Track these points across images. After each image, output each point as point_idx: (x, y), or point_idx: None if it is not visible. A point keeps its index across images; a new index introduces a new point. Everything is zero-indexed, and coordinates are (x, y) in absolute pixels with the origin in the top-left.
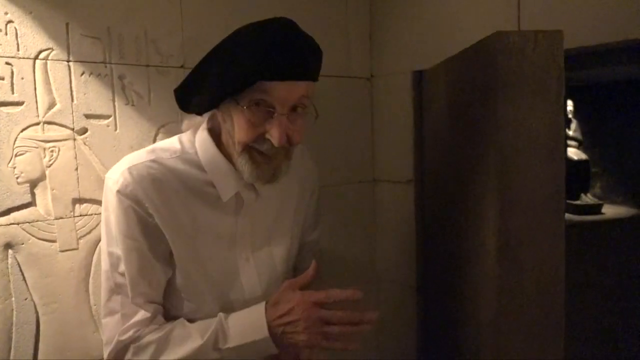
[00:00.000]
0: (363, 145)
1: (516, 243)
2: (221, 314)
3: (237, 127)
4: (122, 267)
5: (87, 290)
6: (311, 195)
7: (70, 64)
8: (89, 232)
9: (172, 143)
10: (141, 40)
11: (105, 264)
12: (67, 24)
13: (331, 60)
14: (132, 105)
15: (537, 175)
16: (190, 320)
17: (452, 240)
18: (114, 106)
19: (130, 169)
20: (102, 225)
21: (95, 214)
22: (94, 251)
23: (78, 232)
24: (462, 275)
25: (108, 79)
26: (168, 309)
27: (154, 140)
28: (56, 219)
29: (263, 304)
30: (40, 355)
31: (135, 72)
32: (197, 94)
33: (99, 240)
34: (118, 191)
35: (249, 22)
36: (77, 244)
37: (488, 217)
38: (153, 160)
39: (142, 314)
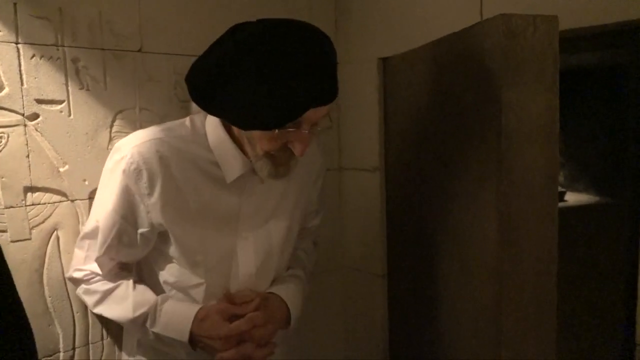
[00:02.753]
0: (329, 133)
1: (516, 226)
2: (159, 298)
3: (261, 139)
4: (96, 228)
5: (41, 282)
6: (315, 181)
7: (19, 46)
8: (43, 222)
9: (183, 123)
10: (95, 21)
11: (90, 215)
12: (14, 4)
13: None
14: (87, 90)
15: (535, 158)
16: (182, 289)
17: (429, 226)
18: (68, 91)
19: (139, 146)
20: (99, 184)
21: (49, 203)
22: (48, 241)
23: (30, 221)
24: (445, 261)
25: (60, 62)
26: (161, 274)
27: (111, 127)
28: (6, 208)
29: (195, 310)
30: None
31: (90, 55)
32: (224, 106)
33: (54, 230)
34: (123, 170)
35: (209, 5)
36: (30, 234)
37: (487, 201)
38: (162, 139)
39: (98, 268)
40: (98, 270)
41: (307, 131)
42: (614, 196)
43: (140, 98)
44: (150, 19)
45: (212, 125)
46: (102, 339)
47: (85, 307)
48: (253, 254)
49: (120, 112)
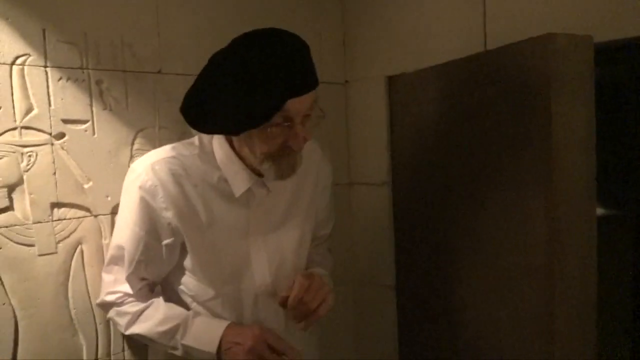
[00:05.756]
0: (339, 149)
1: (564, 229)
2: (191, 312)
3: (260, 143)
4: (121, 249)
5: (66, 295)
6: (323, 191)
7: (48, 69)
8: (68, 236)
9: (192, 142)
10: (117, 45)
11: (112, 239)
12: (43, 30)
13: None
14: (110, 110)
15: (578, 166)
16: (200, 303)
17: (451, 235)
18: (92, 111)
19: (153, 165)
20: (120, 206)
21: (74, 218)
22: (73, 255)
23: (57, 236)
24: (473, 268)
25: (85, 84)
26: (179, 289)
27: (132, 145)
28: (34, 223)
29: (226, 323)
30: None
31: (113, 77)
32: (214, 119)
33: (78, 244)
34: (140, 186)
35: (224, 28)
36: (56, 248)
37: (534, 207)
38: (174, 157)
39: (129, 288)
40: (129, 291)
41: (299, 125)
42: (620, 208)
43: (160, 117)
44: (168, 42)
45: (218, 143)
46: (123, 350)
47: (107, 319)
48: (267, 263)
49: (141, 130)
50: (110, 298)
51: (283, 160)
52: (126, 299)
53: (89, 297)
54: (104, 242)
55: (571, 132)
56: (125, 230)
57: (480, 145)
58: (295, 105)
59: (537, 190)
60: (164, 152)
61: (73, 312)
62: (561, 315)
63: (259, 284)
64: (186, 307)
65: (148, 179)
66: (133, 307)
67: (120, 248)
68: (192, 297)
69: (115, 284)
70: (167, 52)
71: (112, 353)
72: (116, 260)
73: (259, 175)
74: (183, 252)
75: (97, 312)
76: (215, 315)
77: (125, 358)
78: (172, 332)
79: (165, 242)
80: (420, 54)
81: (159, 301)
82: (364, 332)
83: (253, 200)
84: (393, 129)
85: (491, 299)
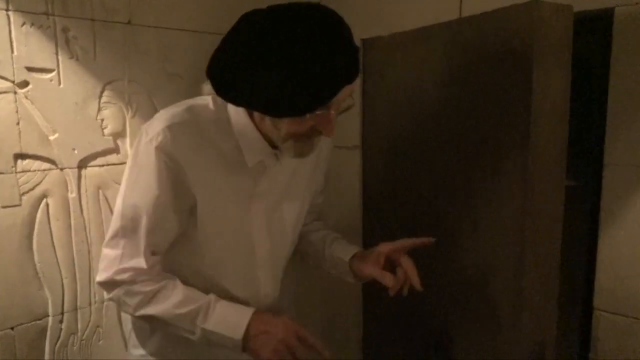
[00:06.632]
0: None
1: (538, 192)
2: (212, 296)
3: (289, 124)
4: (136, 217)
5: (30, 247)
6: (324, 163)
7: (10, 13)
8: (33, 189)
9: (207, 104)
10: None
11: (119, 207)
12: None
13: None
14: (77, 60)
15: (552, 133)
16: (201, 274)
17: (427, 199)
18: (58, 60)
19: (170, 126)
20: (126, 173)
21: (39, 170)
22: (38, 207)
23: (21, 188)
24: (449, 227)
25: (51, 31)
26: (178, 261)
27: (100, 97)
28: None
29: (252, 310)
30: None
31: (80, 25)
32: (250, 96)
33: (44, 197)
34: (157, 147)
35: None
36: (20, 200)
37: (510, 171)
38: (190, 121)
39: (142, 262)
40: (141, 266)
41: (334, 112)
42: (577, 179)
43: (129, 70)
44: None
45: (236, 110)
46: (90, 304)
47: (74, 272)
48: (266, 232)
49: (109, 83)
50: (121, 276)
51: (307, 141)
52: (138, 277)
53: (55, 251)
54: (70, 195)
55: (548, 99)
56: (140, 196)
57: (459, 108)
58: (341, 93)
59: (515, 155)
60: (178, 114)
61: (38, 265)
62: (530, 270)
63: (259, 251)
64: (183, 279)
65: (166, 142)
66: (146, 286)
67: (135, 218)
68: (188, 266)
69: (122, 260)
70: (138, 3)
71: (78, 307)
72: (125, 232)
73: (274, 147)
74: (189, 219)
75: (63, 265)
76: (213, 284)
77: (92, 312)
78: (191, 315)
79: (179, 207)
80: (396, 18)
81: (176, 282)
82: (330, 290)
83: (262, 170)
84: (366, 93)
85: (462, 256)
